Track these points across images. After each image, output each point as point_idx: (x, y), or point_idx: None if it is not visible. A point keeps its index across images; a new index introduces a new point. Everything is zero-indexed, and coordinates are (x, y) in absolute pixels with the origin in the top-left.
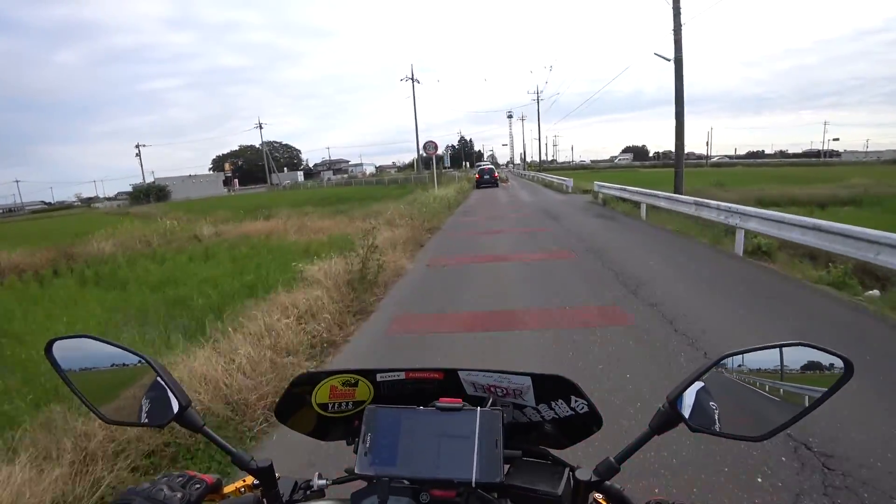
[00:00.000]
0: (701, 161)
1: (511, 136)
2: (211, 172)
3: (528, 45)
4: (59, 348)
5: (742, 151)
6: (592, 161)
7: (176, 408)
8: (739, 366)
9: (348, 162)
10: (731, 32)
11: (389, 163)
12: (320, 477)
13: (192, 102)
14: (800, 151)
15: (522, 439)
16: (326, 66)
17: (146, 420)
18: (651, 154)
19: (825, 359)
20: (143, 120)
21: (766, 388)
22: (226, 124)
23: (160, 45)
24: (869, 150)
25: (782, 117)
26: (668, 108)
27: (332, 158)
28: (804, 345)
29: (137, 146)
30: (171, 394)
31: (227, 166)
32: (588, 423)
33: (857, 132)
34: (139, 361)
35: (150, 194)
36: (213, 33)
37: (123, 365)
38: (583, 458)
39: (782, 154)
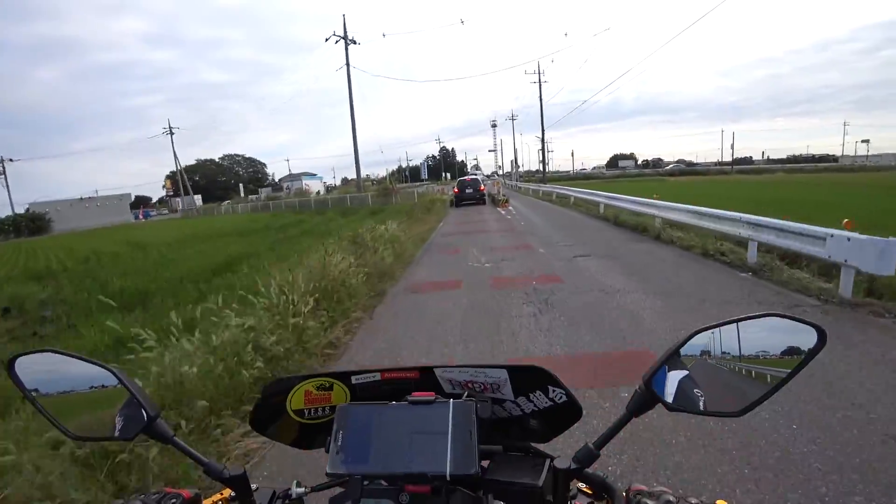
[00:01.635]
0: (724, 169)
1: (496, 144)
2: (113, 194)
3: (511, 56)
4: (22, 364)
5: (718, 158)
6: (596, 168)
7: (145, 418)
8: (711, 340)
9: (315, 175)
10: (708, 43)
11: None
12: (299, 485)
13: (176, 117)
14: (785, 157)
15: (504, 434)
16: (309, 80)
17: (117, 434)
18: (640, 162)
19: (797, 328)
20: (127, 136)
21: (740, 362)
22: (210, 138)
23: (143, 62)
24: (870, 154)
25: (758, 124)
26: (647, 118)
27: (293, 172)
28: (775, 315)
29: (1, 161)
30: (138, 405)
31: (167, 183)
32: (568, 413)
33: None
34: (109, 376)
35: (17, 227)
36: (196, 50)
37: (95, 381)
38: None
39: (770, 160)
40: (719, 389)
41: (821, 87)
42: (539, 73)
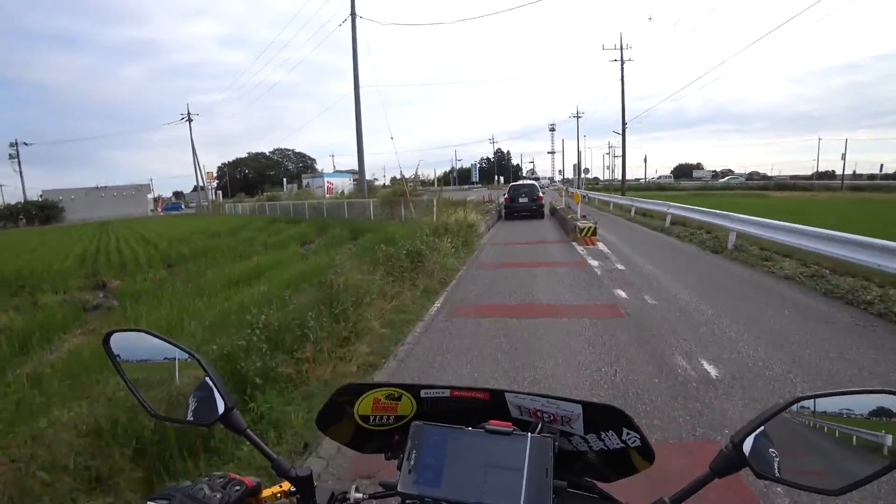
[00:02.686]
0: (832, 184)
1: (555, 147)
2: (131, 184)
3: (569, 63)
4: (116, 340)
5: (798, 172)
6: (662, 178)
7: (222, 408)
8: (813, 411)
9: (345, 173)
10: (781, 48)
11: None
12: (357, 490)
13: (240, 113)
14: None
15: (567, 469)
16: (371, 80)
17: (192, 418)
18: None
19: None
20: (196, 129)
21: (842, 437)
22: (272, 134)
23: (214, 62)
24: None
25: (837, 136)
26: (713, 126)
27: (339, 169)
28: (890, 392)
29: (15, 144)
30: (217, 394)
31: (209, 175)
32: (639, 458)
33: None
34: (190, 359)
35: (27, 214)
36: (263, 50)
37: (176, 360)
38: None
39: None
40: (814, 463)
41: None
42: (622, 49)
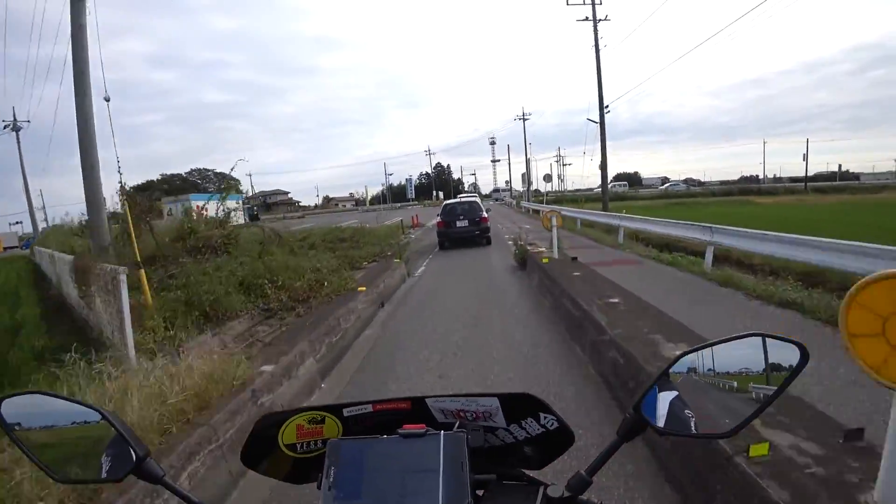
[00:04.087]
0: (794, 186)
1: (497, 159)
2: None
3: (503, 76)
4: (9, 406)
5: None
6: (634, 187)
7: (133, 458)
8: (697, 363)
9: (287, 193)
10: (697, 63)
11: (346, 194)
12: None
13: (176, 136)
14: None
15: (499, 462)
16: (309, 102)
17: (105, 475)
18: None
19: (779, 345)
20: (125, 153)
21: (727, 381)
22: (209, 156)
23: (144, 82)
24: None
25: (753, 145)
26: (642, 137)
27: (264, 190)
28: (757, 334)
29: None
30: (127, 446)
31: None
32: (560, 439)
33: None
34: (95, 415)
35: None
36: (197, 71)
37: (81, 421)
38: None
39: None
40: (708, 410)
41: (813, 106)
42: (594, 4)
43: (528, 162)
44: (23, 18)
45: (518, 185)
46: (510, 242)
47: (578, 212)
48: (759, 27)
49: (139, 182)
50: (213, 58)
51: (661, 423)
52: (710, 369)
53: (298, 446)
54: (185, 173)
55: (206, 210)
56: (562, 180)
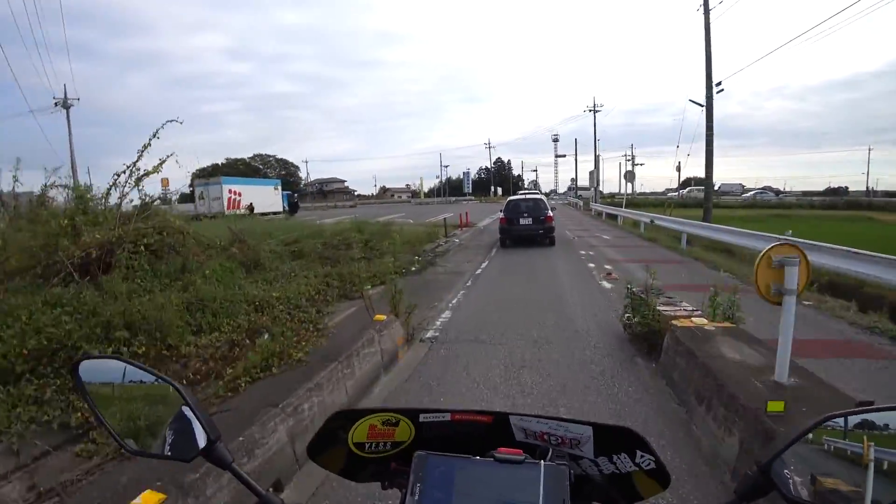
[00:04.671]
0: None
1: (561, 154)
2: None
3: (566, 72)
4: (86, 368)
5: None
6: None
7: (203, 442)
8: (839, 429)
9: (343, 182)
10: (778, 63)
11: (403, 185)
12: None
13: (246, 123)
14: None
15: (575, 494)
16: (371, 95)
17: (169, 452)
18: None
19: None
20: (202, 138)
21: (873, 456)
22: (276, 144)
23: (221, 73)
24: None
25: (839, 153)
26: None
27: (322, 178)
28: None
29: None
30: (199, 426)
31: (163, 182)
32: (651, 482)
33: None
34: (169, 388)
35: None
36: (268, 64)
37: (154, 392)
38: None
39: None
40: (845, 483)
41: None
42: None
43: (597, 158)
44: None
45: (592, 183)
46: (600, 275)
47: (677, 222)
48: (854, 25)
49: (205, 165)
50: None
51: (789, 488)
52: (854, 438)
53: (367, 445)
54: (248, 158)
55: (241, 195)
56: (631, 182)
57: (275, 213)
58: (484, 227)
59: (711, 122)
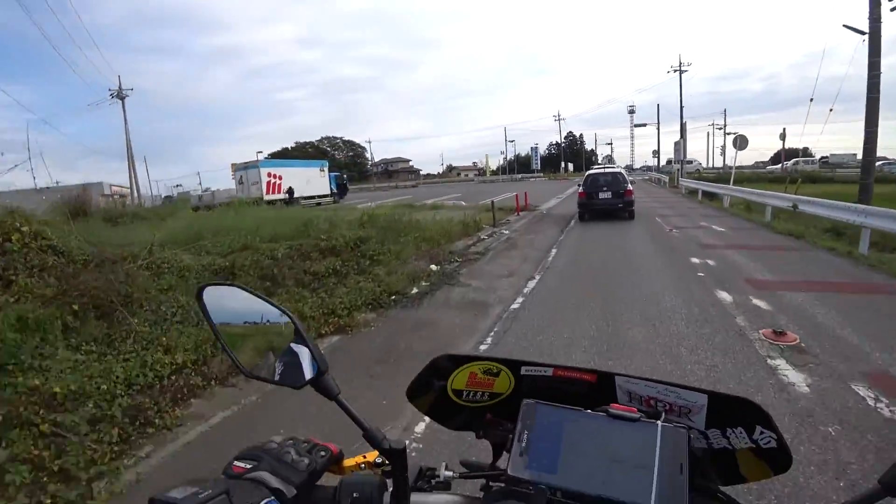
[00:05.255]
0: None
1: (640, 123)
2: (76, 184)
3: (648, 43)
4: (209, 294)
5: None
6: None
7: (312, 372)
8: None
9: (408, 161)
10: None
11: (470, 163)
12: (447, 468)
13: (316, 109)
14: None
15: None
16: (437, 73)
17: (279, 379)
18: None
19: None
20: (275, 125)
21: None
22: (346, 127)
23: (292, 62)
24: None
25: None
26: (816, 107)
27: (387, 158)
28: None
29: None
30: (310, 356)
31: (232, 167)
32: (764, 463)
33: None
34: (284, 318)
35: None
36: (337, 49)
37: (268, 320)
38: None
39: None
40: None
41: None
42: None
43: (683, 126)
44: None
45: (678, 158)
46: (755, 330)
47: (842, 209)
48: None
49: (275, 149)
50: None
51: None
52: None
53: (465, 393)
54: (316, 141)
55: (282, 178)
56: (742, 149)
57: (321, 197)
58: (547, 210)
59: (879, 53)
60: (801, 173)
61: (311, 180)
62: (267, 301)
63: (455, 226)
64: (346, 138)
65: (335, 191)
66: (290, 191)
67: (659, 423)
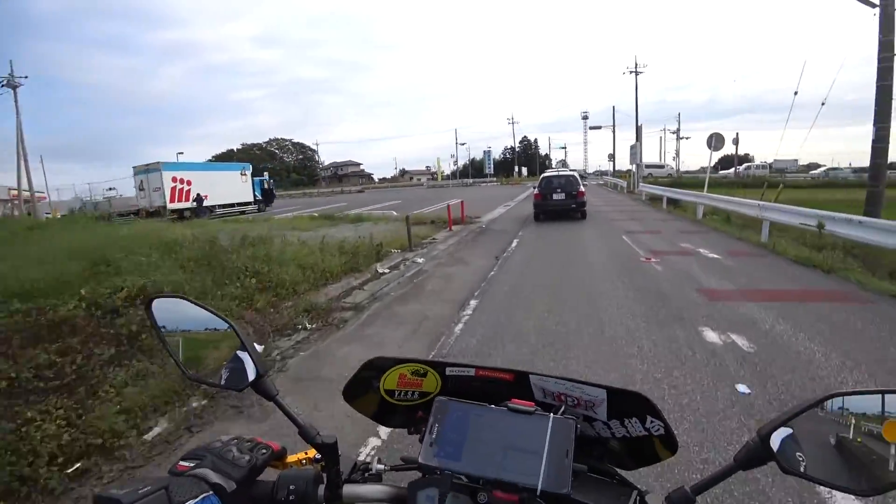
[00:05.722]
0: None
1: (594, 126)
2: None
3: (602, 51)
4: (157, 306)
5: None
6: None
7: (253, 375)
8: (841, 408)
9: (359, 165)
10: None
11: (423, 167)
12: (379, 461)
13: (276, 109)
14: None
15: (587, 454)
16: (395, 77)
17: (224, 383)
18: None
19: None
20: (232, 125)
21: (873, 436)
22: (304, 129)
23: (250, 60)
24: None
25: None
26: (754, 116)
27: (337, 161)
28: None
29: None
30: (250, 361)
31: None
32: (661, 447)
33: None
34: (227, 327)
35: None
36: (296, 50)
37: (213, 329)
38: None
39: None
40: (845, 461)
41: None
42: None
43: (639, 129)
44: None
45: (633, 161)
46: None
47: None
48: None
49: (220, 151)
50: (309, 36)
51: (787, 461)
52: (855, 416)
53: (396, 393)
54: (264, 143)
55: (191, 184)
56: (717, 150)
57: (242, 205)
58: (487, 224)
59: (893, 30)
60: (752, 178)
61: (230, 186)
62: (211, 311)
63: (346, 254)
64: (296, 140)
65: (260, 197)
66: (199, 198)
67: (551, 415)
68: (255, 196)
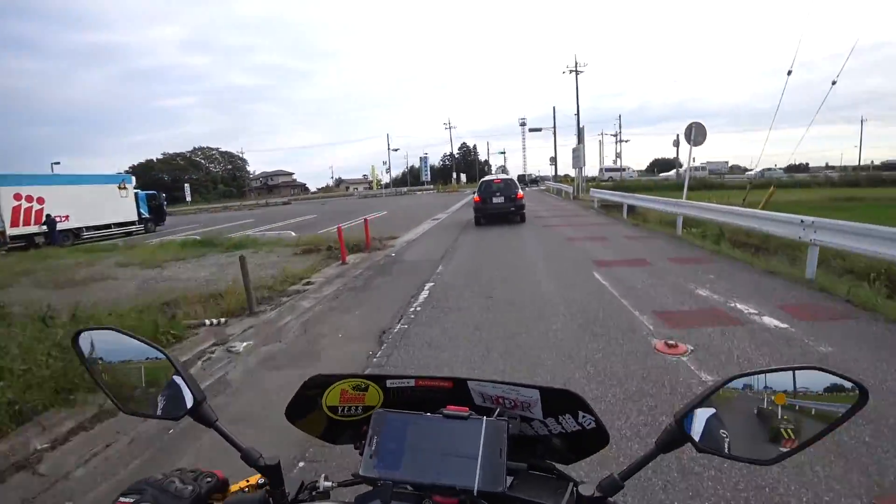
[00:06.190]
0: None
1: (535, 127)
2: None
3: (541, 58)
4: (85, 339)
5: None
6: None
7: (190, 402)
8: (749, 387)
9: (291, 175)
10: (736, 47)
11: (360, 176)
12: (326, 479)
13: (207, 117)
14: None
15: (529, 452)
16: (333, 86)
17: (160, 413)
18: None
19: (839, 383)
20: (162, 134)
21: (776, 412)
22: (238, 138)
23: (177, 66)
24: None
25: (795, 132)
26: (678, 123)
27: (267, 171)
28: (818, 368)
29: None
30: (186, 388)
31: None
32: (595, 439)
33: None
34: (159, 356)
35: None
36: (228, 55)
37: (145, 359)
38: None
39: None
40: (751, 436)
41: (863, 92)
42: None
43: (580, 132)
44: None
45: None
46: None
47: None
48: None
49: (139, 161)
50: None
51: (701, 439)
52: (760, 396)
53: (339, 409)
54: (188, 152)
55: (43, 202)
56: (698, 146)
57: (122, 226)
58: (400, 250)
59: None
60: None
61: (104, 203)
62: (143, 341)
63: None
64: (224, 149)
65: (146, 215)
66: (50, 221)
67: (485, 418)
68: (139, 214)
